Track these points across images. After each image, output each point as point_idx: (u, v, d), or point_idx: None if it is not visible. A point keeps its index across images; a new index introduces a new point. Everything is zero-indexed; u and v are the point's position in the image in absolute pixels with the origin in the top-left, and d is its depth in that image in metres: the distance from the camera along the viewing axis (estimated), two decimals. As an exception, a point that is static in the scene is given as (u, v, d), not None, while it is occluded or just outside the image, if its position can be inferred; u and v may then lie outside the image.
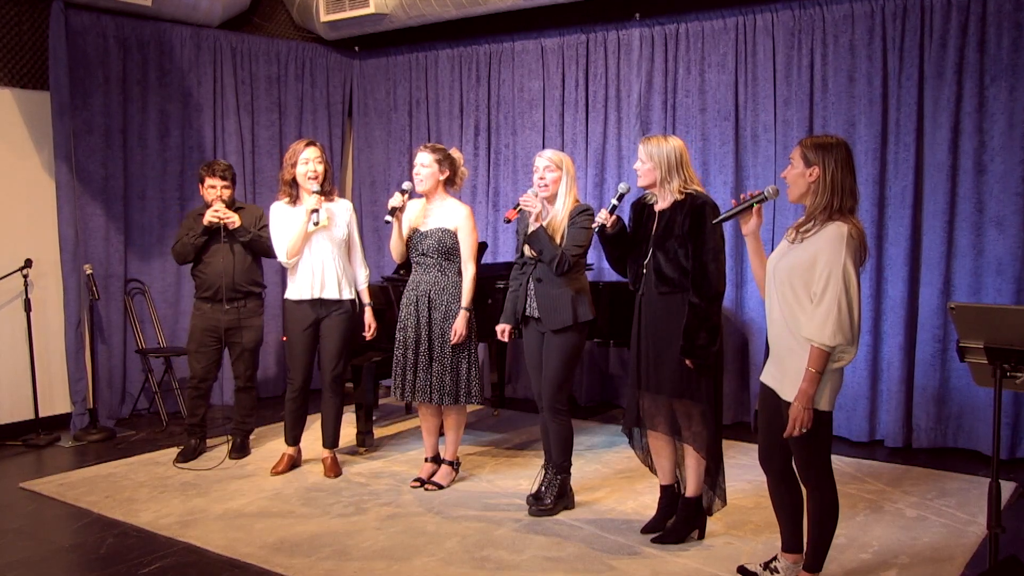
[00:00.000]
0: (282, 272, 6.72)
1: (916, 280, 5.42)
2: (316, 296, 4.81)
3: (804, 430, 3.00)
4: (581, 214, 4.13)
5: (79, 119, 6.02)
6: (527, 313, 4.28)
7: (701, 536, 3.95)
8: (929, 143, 5.32)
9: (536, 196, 4.18)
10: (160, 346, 6.43)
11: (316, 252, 4.80)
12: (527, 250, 4.23)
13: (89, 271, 5.92)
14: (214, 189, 5.11)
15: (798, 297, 3.03)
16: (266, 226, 5.14)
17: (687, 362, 3.71)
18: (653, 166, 3.80)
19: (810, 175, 3.06)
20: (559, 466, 4.32)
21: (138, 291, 6.42)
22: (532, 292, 4.24)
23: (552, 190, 4.18)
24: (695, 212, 3.71)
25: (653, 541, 3.92)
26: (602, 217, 3.88)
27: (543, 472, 4.45)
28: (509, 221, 4.25)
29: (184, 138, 6.61)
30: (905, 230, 5.40)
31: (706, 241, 3.69)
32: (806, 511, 3.20)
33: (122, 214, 6.27)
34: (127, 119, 6.30)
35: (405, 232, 4.61)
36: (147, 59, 6.39)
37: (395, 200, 4.52)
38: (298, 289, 4.84)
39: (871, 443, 5.56)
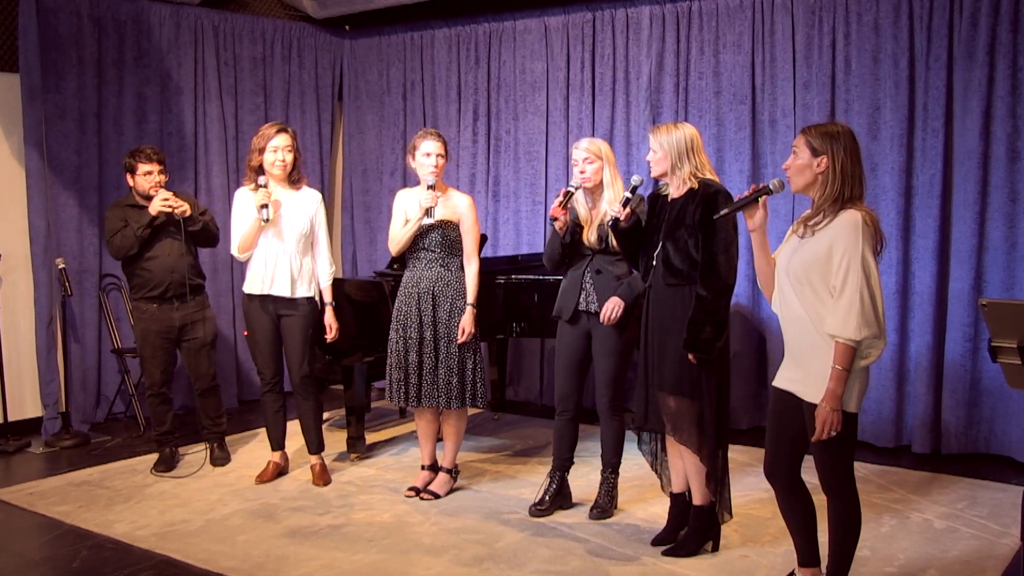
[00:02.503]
0: (230, 262, 6.73)
1: (945, 275, 5.41)
2: (266, 292, 4.80)
3: (834, 433, 2.99)
4: (641, 209, 4.15)
5: (51, 103, 6.00)
6: (581, 308, 4.28)
7: (715, 547, 3.95)
8: (959, 129, 5.30)
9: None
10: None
11: (270, 246, 4.79)
12: (591, 238, 4.21)
13: (61, 265, 5.90)
14: (151, 176, 5.02)
15: (818, 293, 3.03)
16: (207, 211, 5.20)
17: (690, 357, 3.72)
18: (663, 155, 3.83)
19: (818, 165, 3.06)
20: (613, 465, 4.43)
21: (114, 287, 6.40)
22: (591, 285, 4.25)
23: (595, 181, 4.21)
24: (707, 201, 3.72)
25: (664, 554, 3.91)
26: (614, 211, 3.89)
27: (549, 481, 4.46)
28: (556, 219, 4.17)
29: (163, 124, 6.59)
30: (933, 222, 5.38)
31: (717, 231, 3.71)
32: (827, 520, 3.19)
33: (97, 204, 6.25)
34: (102, 103, 6.28)
35: (411, 227, 4.56)
36: (123, 39, 6.37)
37: (429, 199, 4.45)
38: (251, 283, 4.85)
39: (897, 449, 5.55)
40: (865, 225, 2.96)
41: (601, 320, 4.20)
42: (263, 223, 4.67)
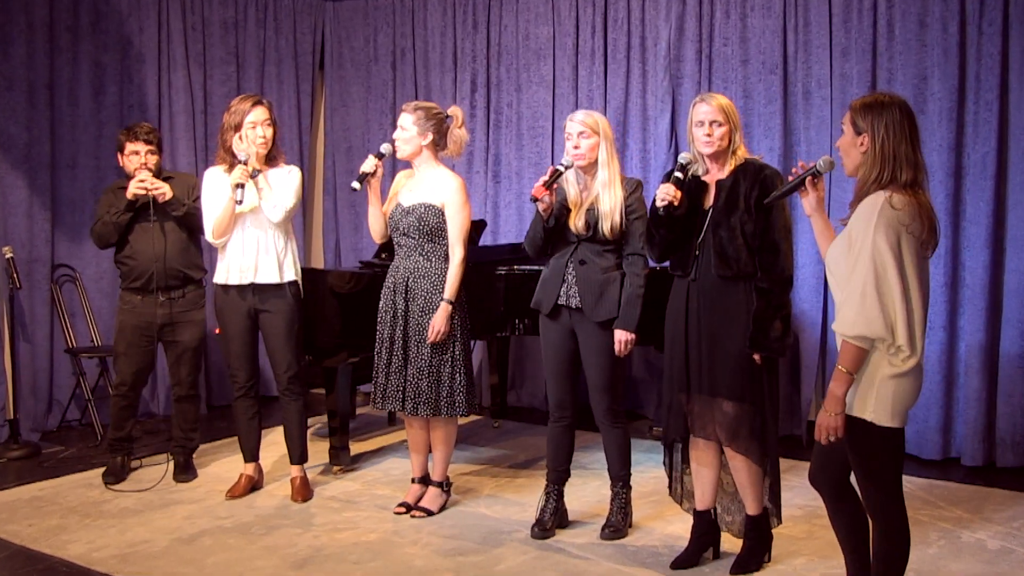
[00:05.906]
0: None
1: (999, 265, 5.40)
2: (248, 281, 4.77)
3: (833, 438, 2.97)
4: (638, 196, 4.16)
5: (-4, 72, 5.99)
6: (560, 302, 4.25)
7: (769, 558, 3.97)
8: (1015, 101, 5.28)
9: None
10: (94, 344, 6.41)
11: (250, 228, 4.76)
12: (579, 224, 4.16)
13: (9, 254, 5.89)
14: (137, 156, 5.02)
15: (840, 285, 3.03)
16: (200, 197, 5.09)
17: (755, 357, 3.71)
18: (731, 128, 3.79)
19: (861, 144, 3.02)
20: (623, 478, 4.40)
21: (68, 279, 6.39)
22: (572, 277, 4.22)
23: (589, 158, 4.17)
24: (764, 182, 3.71)
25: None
26: (669, 194, 3.78)
27: (546, 498, 4.47)
28: (538, 200, 4.12)
29: (123, 95, 6.58)
30: (986, 206, 5.36)
31: (777, 217, 3.71)
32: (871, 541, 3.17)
33: (48, 186, 6.24)
34: (55, 73, 6.27)
35: (390, 206, 4.55)
36: (78, 1, 6.34)
37: (368, 164, 4.48)
38: (225, 272, 4.81)
39: (945, 461, 5.54)
40: (888, 208, 2.88)
41: (617, 354, 4.18)
42: (237, 203, 4.61)
